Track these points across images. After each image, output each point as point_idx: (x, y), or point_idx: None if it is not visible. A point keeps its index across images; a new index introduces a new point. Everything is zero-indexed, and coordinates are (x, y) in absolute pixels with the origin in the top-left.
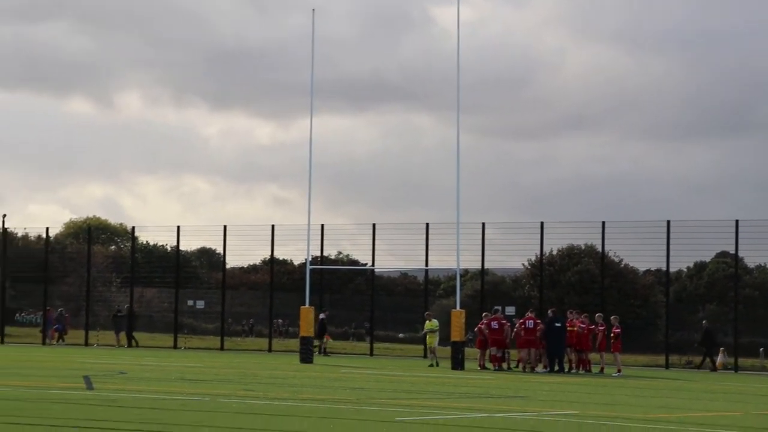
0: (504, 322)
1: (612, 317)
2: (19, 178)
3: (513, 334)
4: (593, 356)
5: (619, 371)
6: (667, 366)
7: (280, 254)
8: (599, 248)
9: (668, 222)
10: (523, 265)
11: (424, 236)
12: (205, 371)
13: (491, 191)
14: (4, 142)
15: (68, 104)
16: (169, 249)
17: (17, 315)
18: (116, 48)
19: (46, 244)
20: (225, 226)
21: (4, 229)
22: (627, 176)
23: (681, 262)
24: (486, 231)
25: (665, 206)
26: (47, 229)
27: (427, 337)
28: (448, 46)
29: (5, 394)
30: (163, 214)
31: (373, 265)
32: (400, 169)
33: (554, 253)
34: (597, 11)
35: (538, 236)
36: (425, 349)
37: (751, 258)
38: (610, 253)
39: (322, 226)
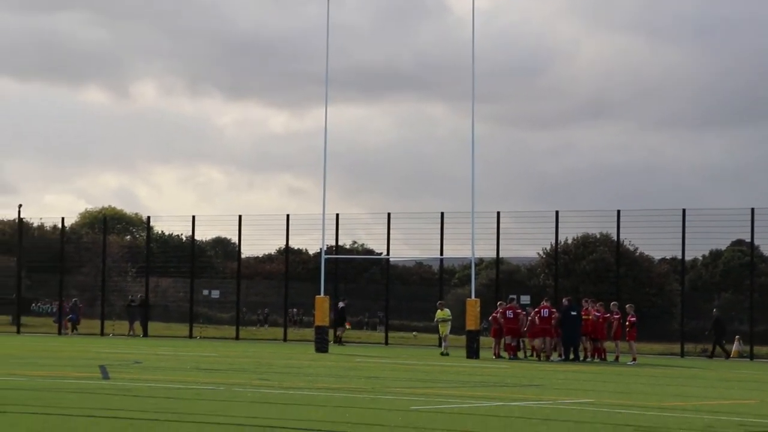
0: (519, 311)
1: (627, 306)
2: (35, 168)
3: (528, 323)
4: (608, 345)
5: (634, 360)
6: (682, 354)
7: (294, 244)
8: (614, 237)
9: (683, 210)
10: (538, 254)
11: (439, 225)
12: (220, 361)
13: (506, 180)
14: (19, 132)
15: (83, 94)
16: (184, 239)
17: (33, 305)
18: (131, 38)
19: (61, 234)
20: (240, 216)
21: (20, 219)
22: (642, 165)
23: (696, 251)
24: (501, 220)
25: (681, 195)
26: (63, 219)
27: (439, 326)
28: (463, 34)
29: (22, 384)
30: (178, 203)
31: (388, 254)
32: (415, 159)
33: (569, 241)
34: (612, 0)
35: (553, 225)
36: (440, 339)
37: (767, 246)
38: (626, 242)
39: (337, 215)
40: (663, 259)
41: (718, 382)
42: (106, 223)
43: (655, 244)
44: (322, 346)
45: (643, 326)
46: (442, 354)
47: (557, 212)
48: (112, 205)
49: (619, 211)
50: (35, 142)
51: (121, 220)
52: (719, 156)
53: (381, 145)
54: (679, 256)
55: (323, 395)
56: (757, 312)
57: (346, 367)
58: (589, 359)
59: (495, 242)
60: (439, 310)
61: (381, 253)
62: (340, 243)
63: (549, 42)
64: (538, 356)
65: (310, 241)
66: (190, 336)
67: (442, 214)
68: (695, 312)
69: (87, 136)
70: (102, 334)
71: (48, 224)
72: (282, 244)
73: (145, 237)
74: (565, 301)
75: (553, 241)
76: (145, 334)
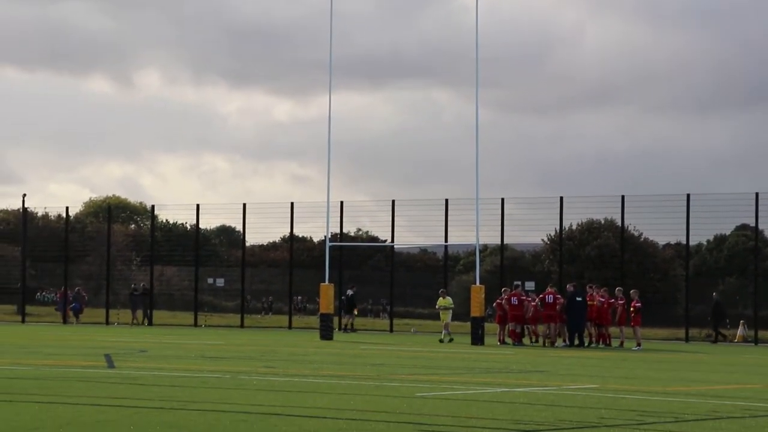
0: (524, 297)
1: (632, 291)
2: (39, 157)
3: (532, 309)
4: (613, 330)
5: (638, 345)
6: (687, 339)
7: (299, 231)
8: (619, 222)
9: (688, 195)
10: (543, 240)
11: (444, 212)
12: (226, 349)
13: (510, 166)
14: (24, 121)
15: (88, 83)
16: (188, 227)
17: (38, 294)
18: (135, 27)
19: (66, 223)
20: (244, 204)
21: (25, 209)
22: (646, 150)
23: (701, 236)
24: (505, 206)
25: (685, 180)
26: (67, 208)
27: (441, 313)
28: (466, 21)
29: (27, 373)
30: (183, 192)
31: (392, 241)
32: (419, 146)
33: (574, 227)
34: None
35: (558, 211)
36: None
37: None
38: (630, 227)
39: (342, 203)
40: (667, 245)
41: (722, 366)
42: (110, 212)
43: (659, 229)
44: (326, 334)
45: (648, 311)
46: (440, 341)
47: (561, 198)
48: (117, 194)
49: (623, 197)
50: (40, 132)
51: (126, 209)
52: (723, 141)
53: (385, 132)
54: (684, 241)
55: (328, 382)
56: (762, 297)
57: (350, 355)
58: (593, 345)
59: (499, 229)
60: (441, 298)
61: (385, 241)
62: (345, 230)
63: (553, 28)
64: (543, 342)
65: (314, 229)
66: (195, 324)
67: (447, 200)
68: (700, 297)
69: (91, 125)
70: (107, 323)
71: (52, 213)
72: (286, 231)
73: (149, 226)
74: (570, 287)
75: (558, 227)
76: (150, 323)
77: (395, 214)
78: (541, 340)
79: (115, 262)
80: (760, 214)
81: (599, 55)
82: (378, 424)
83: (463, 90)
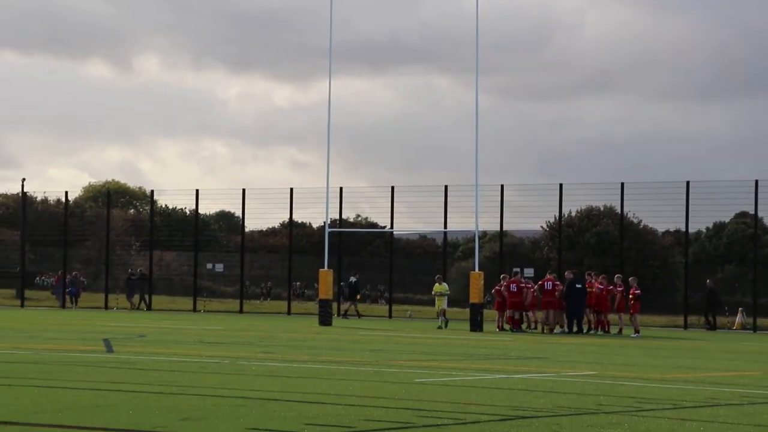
0: (523, 284)
1: (630, 279)
2: (38, 141)
3: (530, 296)
4: (612, 317)
5: (637, 332)
6: (685, 327)
7: (298, 217)
8: (618, 209)
9: (687, 183)
10: (542, 227)
11: (443, 198)
12: (225, 334)
13: (510, 153)
14: (23, 105)
15: (87, 68)
16: (188, 212)
17: (37, 279)
18: (134, 11)
19: (65, 207)
20: (244, 190)
21: (24, 193)
22: (646, 137)
23: (700, 223)
24: (505, 193)
25: (685, 167)
26: (66, 193)
27: (437, 299)
28: (467, 6)
29: (26, 357)
30: (182, 177)
31: (391, 227)
32: (419, 132)
33: (573, 214)
34: None
35: (557, 198)
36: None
37: None
38: (629, 215)
39: (341, 188)
40: (667, 232)
41: (721, 354)
42: (109, 197)
43: (658, 216)
44: (325, 320)
45: (647, 299)
46: (438, 328)
47: (561, 185)
48: (116, 179)
49: (622, 184)
50: (39, 116)
51: (125, 194)
52: (723, 128)
53: (385, 118)
54: (683, 229)
55: (327, 368)
56: (760, 284)
57: (349, 340)
58: (592, 332)
59: (499, 215)
60: (436, 284)
61: (385, 227)
62: (344, 216)
63: (553, 14)
64: (542, 329)
65: (313, 215)
66: (194, 309)
67: (446, 187)
68: (699, 285)
69: (91, 109)
70: (106, 307)
71: (52, 198)
72: (286, 217)
73: (148, 211)
74: (569, 273)
75: (557, 214)
76: (148, 308)
77: (395, 200)
78: (539, 326)
79: (115, 247)
80: (759, 201)
81: (599, 42)
82: (376, 410)
83: (464, 76)
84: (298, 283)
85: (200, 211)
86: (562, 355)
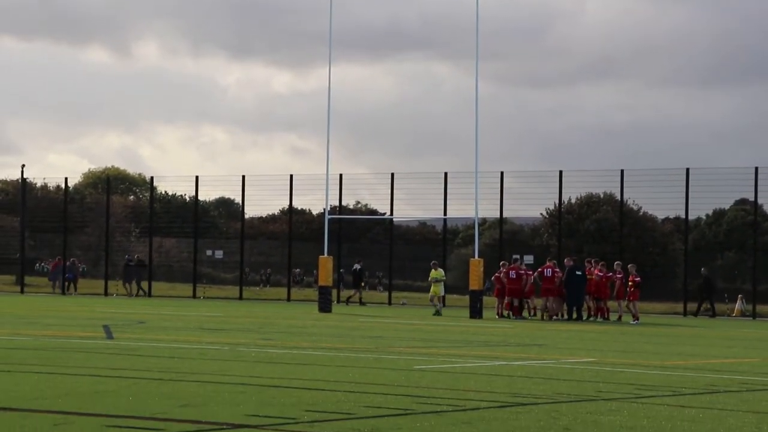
0: (522, 271)
1: (629, 266)
2: (38, 128)
3: (528, 282)
4: (611, 304)
5: (636, 319)
6: (685, 314)
7: (298, 204)
8: (618, 196)
9: (687, 170)
10: (542, 214)
11: (443, 185)
12: (224, 320)
13: (510, 140)
14: (22, 92)
15: (86, 54)
16: (187, 199)
17: (37, 265)
18: None
19: (65, 194)
20: (243, 176)
21: (24, 179)
22: (646, 124)
23: (700, 210)
24: (504, 180)
25: (685, 154)
26: (66, 179)
27: (433, 286)
28: None
29: (27, 344)
30: (182, 163)
31: (391, 214)
32: (419, 118)
33: (573, 201)
34: None
35: (557, 185)
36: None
37: None
38: (629, 201)
39: (341, 175)
40: (666, 219)
41: (720, 341)
42: (109, 183)
43: (658, 203)
44: (325, 306)
45: (646, 286)
46: (435, 314)
47: (561, 172)
48: (116, 165)
49: (622, 171)
50: (38, 102)
51: (125, 180)
52: (724, 115)
53: (385, 104)
54: (683, 216)
55: (326, 355)
56: (760, 271)
57: (349, 327)
58: (592, 319)
59: (498, 202)
60: (433, 270)
61: (384, 213)
62: (344, 203)
63: (554, 0)
64: (542, 316)
65: (313, 201)
66: (194, 296)
67: (446, 174)
68: (698, 271)
69: (90, 95)
70: (105, 293)
71: (51, 184)
72: (285, 204)
73: (148, 197)
74: (569, 260)
75: (557, 201)
76: (145, 294)
77: (394, 187)
78: (539, 313)
79: (114, 234)
80: (759, 188)
81: (600, 29)
82: (376, 397)
83: (463, 63)
84: (297, 270)
85: (200, 197)
86: (561, 341)
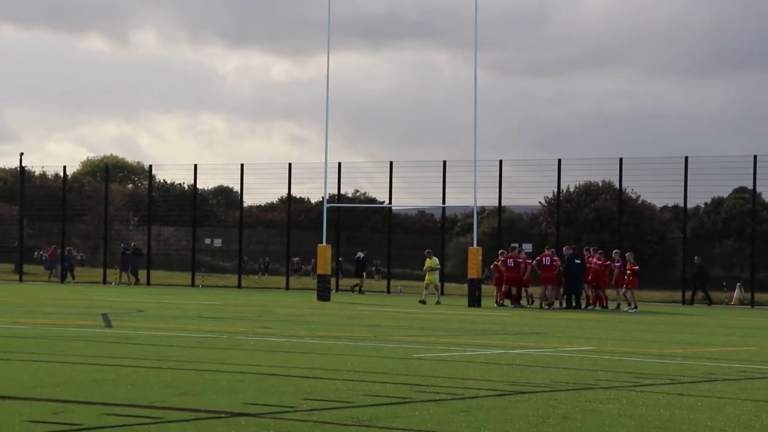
0: (520, 260)
1: (627, 254)
2: (37, 116)
3: (526, 271)
4: (610, 293)
5: (635, 308)
6: (683, 302)
7: (297, 192)
8: (617, 185)
9: (686, 158)
10: (540, 202)
11: (441, 174)
12: (223, 309)
13: (509, 128)
14: (20, 80)
15: (84, 42)
16: (186, 187)
17: (35, 253)
18: None
19: (63, 182)
20: (242, 165)
21: (22, 168)
22: (645, 112)
23: (698, 198)
24: (503, 168)
25: (684, 142)
26: (64, 167)
27: (428, 274)
28: None
29: (25, 332)
30: (180, 152)
31: (390, 203)
32: (418, 107)
33: (571, 190)
34: None
35: (555, 173)
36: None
37: None
38: (628, 190)
39: (339, 164)
40: (665, 207)
41: (719, 329)
42: (108, 172)
43: (657, 191)
44: (323, 295)
45: (645, 274)
46: (434, 302)
47: (560, 160)
48: (114, 154)
49: (621, 159)
50: (37, 90)
51: (123, 169)
52: (722, 103)
53: (383, 93)
54: (681, 204)
55: (325, 343)
56: (758, 259)
57: (347, 316)
58: (590, 307)
59: (497, 190)
60: (427, 259)
61: (383, 202)
62: (342, 192)
63: None
64: (540, 304)
65: (312, 190)
66: (193, 284)
67: (445, 162)
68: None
69: (88, 84)
70: (104, 282)
71: (50, 172)
72: (284, 192)
73: (147, 185)
74: (568, 249)
75: (556, 190)
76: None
77: (393, 175)
78: (537, 302)
79: (113, 222)
80: (758, 176)
81: (599, 17)
82: (374, 385)
83: (462, 51)
84: (296, 259)
85: (198, 186)
86: (559, 330)
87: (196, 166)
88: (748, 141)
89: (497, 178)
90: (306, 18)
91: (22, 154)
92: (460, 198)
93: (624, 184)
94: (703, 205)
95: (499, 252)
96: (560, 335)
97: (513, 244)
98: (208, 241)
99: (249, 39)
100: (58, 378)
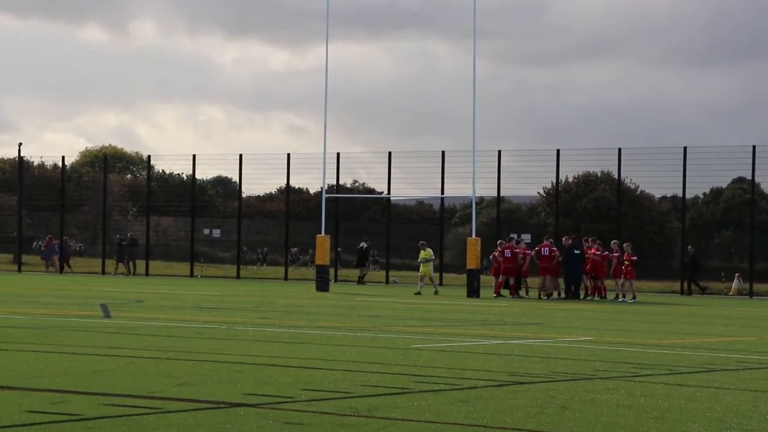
0: (518, 250)
1: (625, 244)
2: (35, 106)
3: (526, 261)
4: (609, 283)
5: (633, 298)
6: (682, 292)
7: (295, 183)
8: (615, 175)
9: (685, 148)
10: (539, 192)
11: (440, 164)
12: (222, 299)
13: (508, 119)
14: (19, 70)
15: (82, 32)
16: (184, 177)
17: (34, 243)
18: None
19: (62, 172)
20: (240, 155)
21: (21, 158)
22: (644, 102)
23: (697, 189)
24: (502, 158)
25: (683, 132)
26: (63, 157)
27: (422, 266)
28: None
29: (24, 322)
30: (179, 142)
31: (389, 193)
32: (416, 97)
33: (570, 180)
34: None
35: (554, 163)
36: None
37: None
38: (626, 180)
39: (338, 154)
40: (664, 197)
41: (717, 319)
42: (106, 162)
43: (656, 182)
44: (322, 285)
45: (643, 264)
46: (430, 294)
47: (558, 150)
48: (113, 144)
49: (620, 149)
50: (35, 80)
51: (122, 159)
52: (721, 93)
53: (382, 83)
54: (680, 194)
55: (324, 334)
56: (757, 249)
57: (346, 306)
58: (589, 297)
59: (496, 181)
60: (422, 251)
61: (382, 192)
62: (341, 182)
63: None
64: (539, 295)
65: (310, 180)
66: (191, 275)
67: (443, 152)
68: (696, 250)
69: (87, 74)
70: (103, 272)
71: (48, 163)
72: (283, 183)
73: (145, 176)
74: (568, 239)
75: (554, 180)
76: (146, 273)
77: (392, 165)
78: (536, 292)
79: (112, 212)
80: (757, 166)
81: (598, 7)
82: (373, 376)
83: (461, 41)
84: (294, 249)
85: (197, 176)
86: (558, 320)
87: (194, 156)
88: (746, 131)
89: (496, 169)
90: (305, 8)
91: (20, 144)
92: (458, 188)
93: (623, 175)
94: (701, 196)
95: (498, 242)
96: (559, 326)
97: (511, 235)
98: (206, 231)
99: (247, 29)
100: (57, 368)
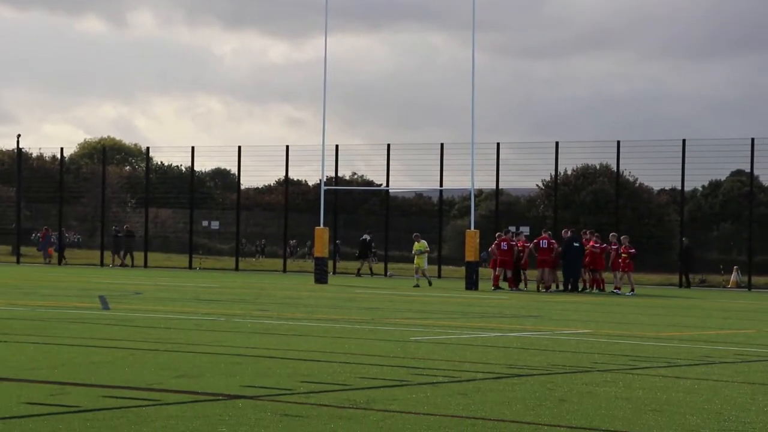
0: (514, 242)
1: (622, 237)
2: (33, 97)
3: (525, 254)
4: (607, 275)
5: (632, 290)
6: (680, 285)
7: (294, 175)
8: (614, 168)
9: (683, 141)
10: (538, 185)
11: (439, 156)
12: (220, 291)
13: (506, 111)
14: (17, 61)
15: (81, 23)
16: (183, 169)
17: (33, 235)
18: None
19: (60, 164)
20: (239, 147)
21: (19, 149)
22: (643, 95)
23: (696, 181)
24: (501, 151)
25: (681, 125)
26: (62, 149)
27: (416, 258)
28: None
29: (23, 314)
30: (178, 134)
31: (387, 185)
32: (415, 89)
33: (569, 173)
34: None
35: (553, 156)
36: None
37: (767, 176)
38: (625, 173)
39: (337, 146)
40: (662, 190)
41: (716, 312)
42: (105, 154)
43: (654, 174)
44: (321, 277)
45: (642, 257)
46: (426, 285)
47: (557, 143)
48: (111, 136)
49: (619, 142)
50: (34, 72)
51: (120, 151)
52: (720, 86)
53: (381, 75)
54: (679, 187)
55: (322, 326)
56: (756, 242)
57: (345, 298)
58: (588, 290)
59: (495, 173)
60: (416, 243)
61: (380, 185)
62: (340, 174)
63: None
64: (538, 287)
65: (309, 172)
66: (190, 267)
67: (442, 145)
68: (694, 243)
69: (85, 65)
70: (101, 264)
71: (47, 154)
72: (281, 175)
73: (144, 168)
74: (567, 232)
75: (553, 172)
76: (145, 265)
77: (390, 158)
78: (534, 285)
79: (110, 204)
80: (755, 159)
81: None
82: (372, 368)
83: (460, 33)
84: (293, 241)
85: (196, 168)
86: (557, 313)
87: (193, 148)
88: (745, 124)
89: (495, 161)
90: (303, 0)
91: (19, 135)
92: (457, 181)
93: (621, 167)
94: (700, 188)
95: (497, 235)
96: (557, 318)
97: (510, 227)
98: (205, 223)
99: (246, 21)
100: (55, 360)
